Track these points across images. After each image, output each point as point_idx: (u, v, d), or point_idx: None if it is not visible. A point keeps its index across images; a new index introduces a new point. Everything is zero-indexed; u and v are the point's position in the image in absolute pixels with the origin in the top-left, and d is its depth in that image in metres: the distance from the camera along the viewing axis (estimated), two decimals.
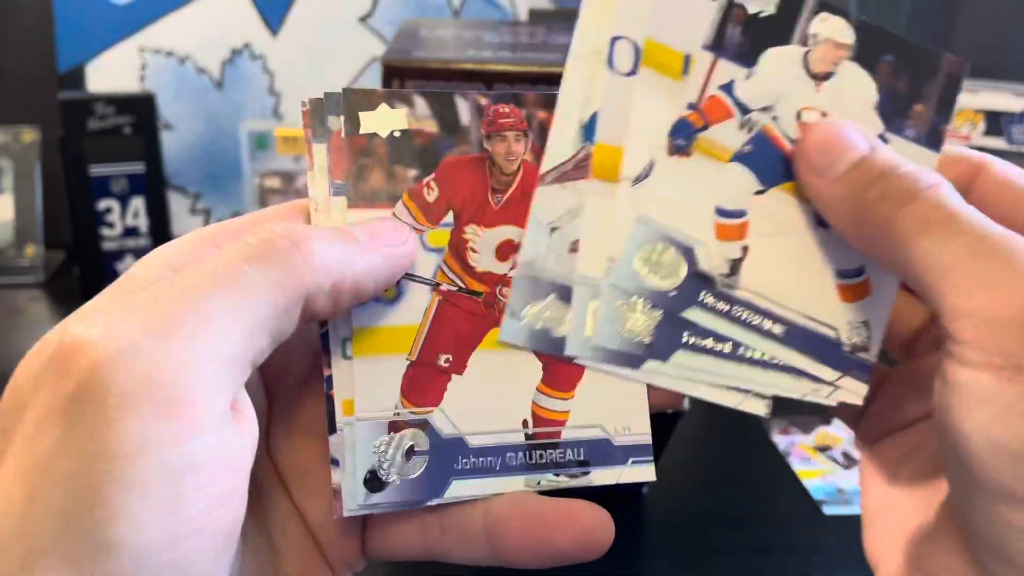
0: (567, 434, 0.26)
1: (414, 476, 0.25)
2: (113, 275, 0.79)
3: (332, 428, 0.25)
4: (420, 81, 0.44)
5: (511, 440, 0.26)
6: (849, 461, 0.65)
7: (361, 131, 0.25)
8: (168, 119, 0.93)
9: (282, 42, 0.93)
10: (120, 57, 0.92)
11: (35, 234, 0.91)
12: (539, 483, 0.26)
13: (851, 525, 0.58)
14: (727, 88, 0.26)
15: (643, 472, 0.27)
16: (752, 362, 0.27)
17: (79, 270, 0.83)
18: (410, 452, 0.25)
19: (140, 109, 0.78)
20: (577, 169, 0.26)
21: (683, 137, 0.26)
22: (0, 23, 0.94)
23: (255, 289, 0.21)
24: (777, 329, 0.27)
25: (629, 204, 0.26)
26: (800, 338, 0.27)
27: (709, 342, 0.26)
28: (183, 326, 0.19)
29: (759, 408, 0.27)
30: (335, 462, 0.25)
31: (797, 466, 0.64)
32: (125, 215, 0.79)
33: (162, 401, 0.18)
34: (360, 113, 0.25)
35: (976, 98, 0.87)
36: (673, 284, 0.26)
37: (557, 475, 0.26)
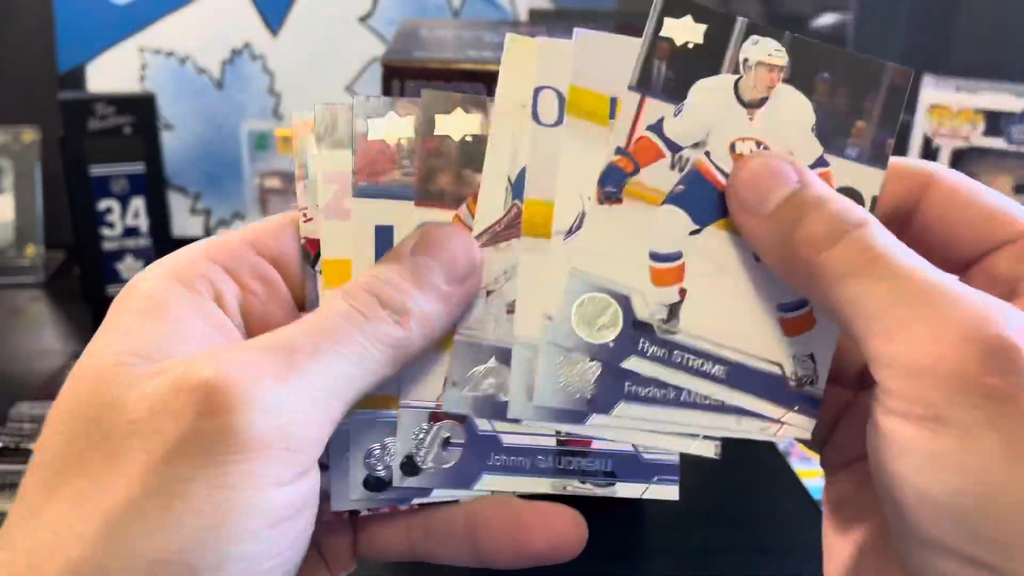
0: (597, 444, 0.27)
1: (448, 465, 0.26)
2: (113, 275, 0.80)
3: None
4: (420, 81, 0.44)
5: (543, 443, 0.26)
6: None
7: (435, 133, 0.25)
8: (168, 119, 0.93)
9: (282, 42, 0.93)
10: (120, 57, 0.92)
11: (35, 234, 0.91)
12: (565, 488, 0.27)
13: None
14: (656, 128, 0.25)
15: (667, 491, 0.27)
16: (696, 406, 0.26)
17: (79, 270, 0.83)
18: (447, 443, 0.26)
19: (140, 109, 0.78)
20: (508, 228, 0.26)
21: (613, 184, 0.26)
22: (0, 23, 0.94)
23: (371, 365, 0.23)
24: (719, 371, 0.26)
25: (562, 258, 0.25)
26: (744, 377, 0.26)
27: (652, 390, 0.26)
28: (315, 387, 0.22)
29: (708, 450, 0.27)
30: (323, 466, 0.25)
31: (797, 466, 0.64)
32: (125, 215, 0.79)
33: (289, 449, 0.21)
34: (436, 115, 0.26)
35: (976, 98, 0.87)
36: (611, 336, 0.26)
37: (583, 482, 0.27)
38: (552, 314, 0.26)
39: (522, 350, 0.26)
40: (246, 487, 0.21)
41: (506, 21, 0.92)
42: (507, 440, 0.26)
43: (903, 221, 0.26)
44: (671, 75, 0.25)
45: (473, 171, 0.26)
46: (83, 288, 0.81)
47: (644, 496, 0.27)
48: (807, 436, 0.27)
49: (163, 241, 0.81)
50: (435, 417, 0.26)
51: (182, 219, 0.94)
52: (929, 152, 0.89)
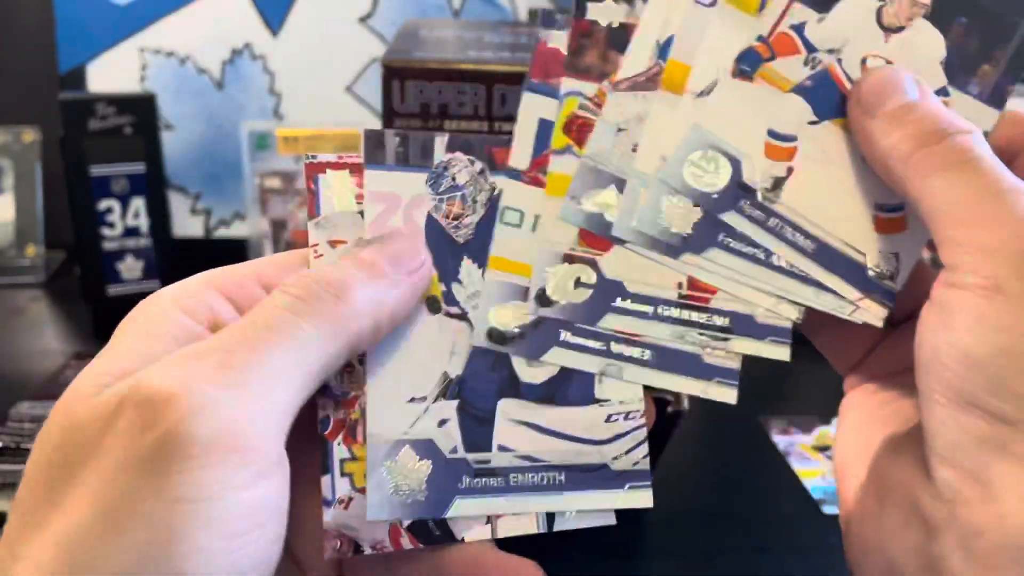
0: (715, 303, 0.28)
1: (579, 302, 0.28)
2: (114, 275, 0.80)
3: (325, 469, 0.26)
4: (421, 81, 0.44)
5: (665, 295, 0.28)
6: None
7: (587, 16, 0.28)
8: (169, 119, 0.93)
9: (282, 42, 0.93)
10: (121, 57, 0.92)
11: (36, 234, 0.92)
12: (683, 338, 0.28)
13: None
14: (798, 28, 0.28)
15: (778, 351, 0.29)
16: (781, 271, 0.28)
17: (79, 270, 0.83)
18: (577, 282, 0.28)
19: (141, 109, 0.78)
20: (649, 81, 0.28)
21: (749, 63, 0.28)
22: (1, 23, 0.94)
23: (310, 343, 0.23)
24: (809, 245, 0.28)
25: (689, 114, 0.28)
26: (830, 256, 0.28)
27: (743, 246, 0.28)
28: (253, 381, 0.22)
29: (792, 313, 0.29)
30: (327, 502, 0.26)
31: (797, 466, 0.64)
32: (126, 215, 0.79)
33: (237, 449, 0.21)
34: (588, 2, 0.28)
35: None
36: (716, 187, 0.28)
37: (702, 334, 0.28)
38: (668, 155, 0.28)
39: (635, 181, 0.28)
40: (197, 497, 0.20)
41: (506, 21, 0.92)
42: (631, 287, 0.28)
43: (1010, 160, 0.28)
44: None
45: (617, 52, 0.28)
46: (83, 288, 0.81)
47: (758, 352, 0.29)
48: (879, 324, 0.29)
49: (163, 241, 0.81)
50: (568, 259, 0.28)
51: (182, 219, 0.94)
52: None
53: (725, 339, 0.29)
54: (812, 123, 0.28)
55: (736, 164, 0.28)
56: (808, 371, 0.78)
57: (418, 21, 0.58)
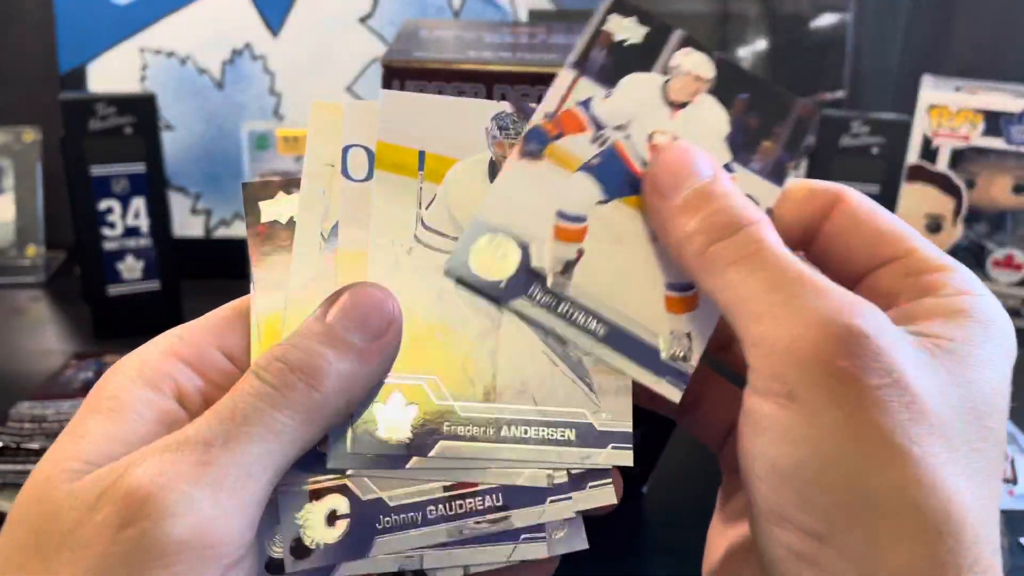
0: (483, 483, 0.27)
1: (337, 540, 0.26)
2: (114, 275, 0.80)
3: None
4: (420, 81, 0.44)
5: (429, 495, 0.26)
6: None
7: (263, 220, 0.28)
8: (169, 119, 0.93)
9: (283, 42, 0.93)
10: (121, 57, 0.92)
11: (36, 234, 0.92)
12: (461, 532, 0.26)
13: None
14: (585, 104, 0.28)
15: (563, 508, 0.27)
16: (518, 440, 0.27)
17: (80, 270, 0.83)
18: (332, 516, 0.26)
19: (141, 109, 0.78)
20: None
21: (536, 142, 0.28)
22: (1, 23, 0.94)
23: (286, 434, 0.23)
24: (600, 329, 0.28)
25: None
26: (622, 341, 0.28)
27: (471, 428, 0.27)
28: (229, 477, 0.22)
29: (540, 481, 0.27)
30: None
31: None
32: (126, 215, 0.79)
33: (211, 545, 0.22)
34: (260, 203, 0.28)
35: (975, 98, 0.87)
36: (504, 275, 0.27)
37: (478, 523, 0.26)
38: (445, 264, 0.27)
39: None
40: None
41: (506, 22, 0.92)
42: (393, 501, 0.26)
43: (810, 237, 0.28)
44: (608, 64, 0.28)
45: None
46: (84, 288, 0.81)
47: (542, 519, 0.27)
48: (675, 399, 0.28)
49: (164, 241, 0.81)
50: (315, 495, 0.26)
51: (183, 219, 0.94)
52: (929, 152, 0.89)
53: (505, 518, 0.27)
54: (601, 202, 0.28)
55: (525, 248, 0.27)
56: None
57: (418, 21, 0.58)
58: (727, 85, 0.28)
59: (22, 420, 0.64)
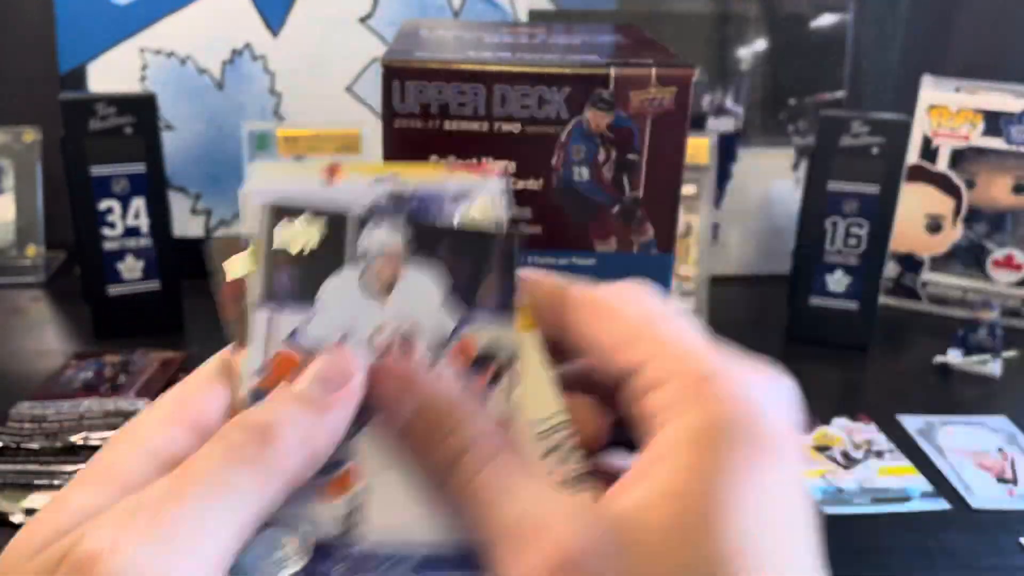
0: None
1: None
2: (114, 275, 0.80)
3: None
4: (420, 81, 0.44)
5: None
6: (849, 461, 0.65)
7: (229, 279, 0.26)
8: (169, 119, 0.93)
9: (283, 43, 0.93)
10: (121, 57, 0.92)
11: (36, 234, 0.92)
12: None
13: (850, 525, 0.59)
14: (292, 339, 0.25)
15: None
16: None
17: (80, 270, 0.83)
18: None
19: (141, 109, 0.78)
20: None
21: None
22: (1, 23, 0.94)
23: (241, 491, 0.23)
24: (414, 564, 0.25)
25: None
26: (439, 564, 0.25)
27: None
28: (181, 535, 0.22)
29: None
30: None
31: None
32: (126, 215, 0.79)
33: None
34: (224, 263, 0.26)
35: (975, 98, 0.87)
36: (294, 570, 0.24)
37: None
38: None
39: None
40: None
41: (506, 22, 0.92)
42: None
43: (561, 342, 0.27)
44: (297, 282, 0.25)
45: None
46: (84, 288, 0.81)
47: None
48: None
49: (164, 241, 0.81)
50: None
51: (183, 219, 0.94)
52: (929, 152, 0.89)
53: None
54: (353, 435, 0.25)
55: (300, 533, 0.25)
56: (807, 371, 0.78)
57: (418, 21, 0.58)
58: (423, 247, 0.26)
59: (22, 420, 0.64)
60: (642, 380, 0.24)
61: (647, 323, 0.25)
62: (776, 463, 0.22)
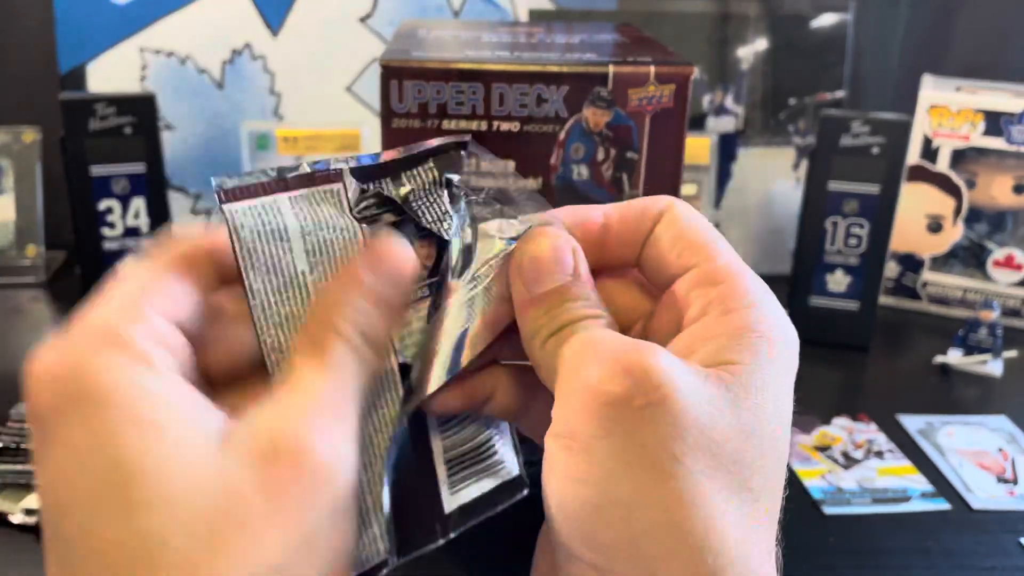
0: None
1: None
2: None
3: None
4: (419, 81, 0.44)
5: None
6: (849, 461, 0.65)
7: None
8: (169, 119, 0.93)
9: (283, 42, 0.93)
10: (121, 57, 0.92)
11: (36, 234, 0.92)
12: None
13: (851, 525, 0.58)
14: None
15: None
16: None
17: (80, 270, 0.83)
18: None
19: (141, 109, 0.78)
20: None
21: None
22: (1, 23, 0.94)
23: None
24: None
25: None
26: None
27: None
28: (350, 431, 0.26)
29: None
30: None
31: (796, 465, 0.64)
32: (126, 215, 0.79)
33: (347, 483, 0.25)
34: None
35: (975, 98, 0.87)
36: None
37: None
38: None
39: None
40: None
41: (505, 21, 0.92)
42: None
43: (641, 244, 0.30)
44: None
45: None
46: (84, 288, 0.81)
47: None
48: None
49: None
50: None
51: (183, 219, 0.94)
52: (929, 152, 0.89)
53: None
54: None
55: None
56: (807, 371, 0.78)
57: (416, 21, 0.58)
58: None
59: (22, 420, 0.64)
60: (705, 271, 0.28)
61: (707, 235, 0.29)
62: (787, 364, 0.27)
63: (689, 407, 0.23)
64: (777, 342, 0.26)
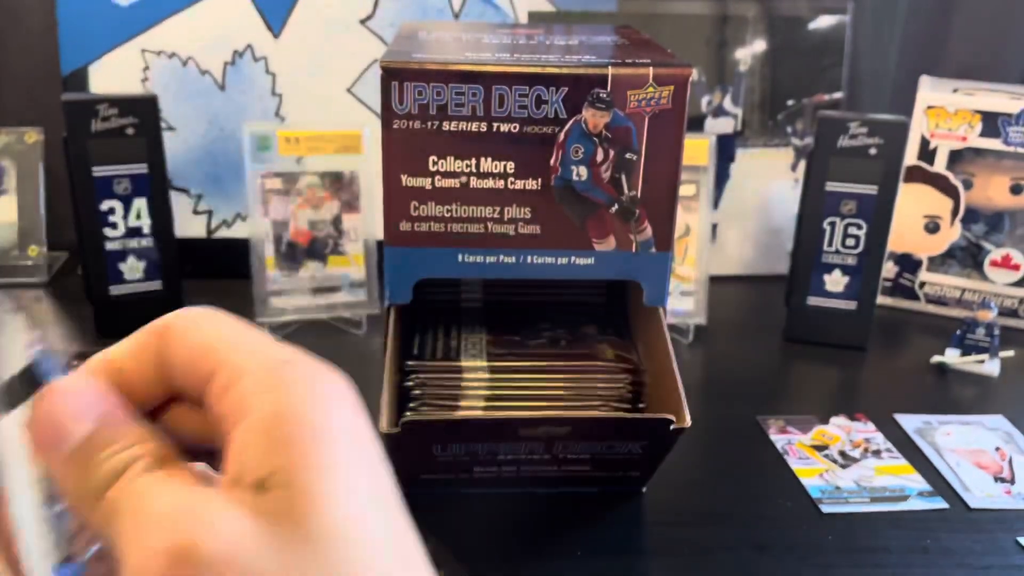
0: None
1: None
2: (116, 275, 0.80)
3: None
4: (419, 82, 0.45)
5: None
6: (846, 460, 0.65)
7: None
8: (170, 120, 0.94)
9: (284, 44, 0.94)
10: (123, 59, 0.92)
11: (38, 234, 0.92)
12: None
13: (849, 523, 0.59)
14: None
15: None
16: None
17: (82, 270, 0.83)
18: None
19: (143, 110, 0.78)
20: None
21: None
22: (4, 25, 0.95)
23: None
24: None
25: None
26: None
27: None
28: None
29: None
30: None
31: (795, 464, 0.65)
32: (128, 216, 0.80)
33: None
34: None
35: (973, 99, 0.88)
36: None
37: None
38: None
39: None
40: None
41: (505, 23, 0.92)
42: None
43: (163, 376, 0.26)
44: None
45: None
46: (86, 288, 0.81)
47: None
48: None
49: (166, 242, 0.81)
50: None
51: (184, 220, 0.94)
52: (926, 152, 0.90)
53: None
54: None
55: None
56: (806, 371, 0.78)
57: (416, 23, 0.58)
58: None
59: None
60: (218, 383, 0.24)
61: (216, 336, 0.25)
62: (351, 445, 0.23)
63: (263, 566, 0.20)
64: (306, 426, 0.22)
